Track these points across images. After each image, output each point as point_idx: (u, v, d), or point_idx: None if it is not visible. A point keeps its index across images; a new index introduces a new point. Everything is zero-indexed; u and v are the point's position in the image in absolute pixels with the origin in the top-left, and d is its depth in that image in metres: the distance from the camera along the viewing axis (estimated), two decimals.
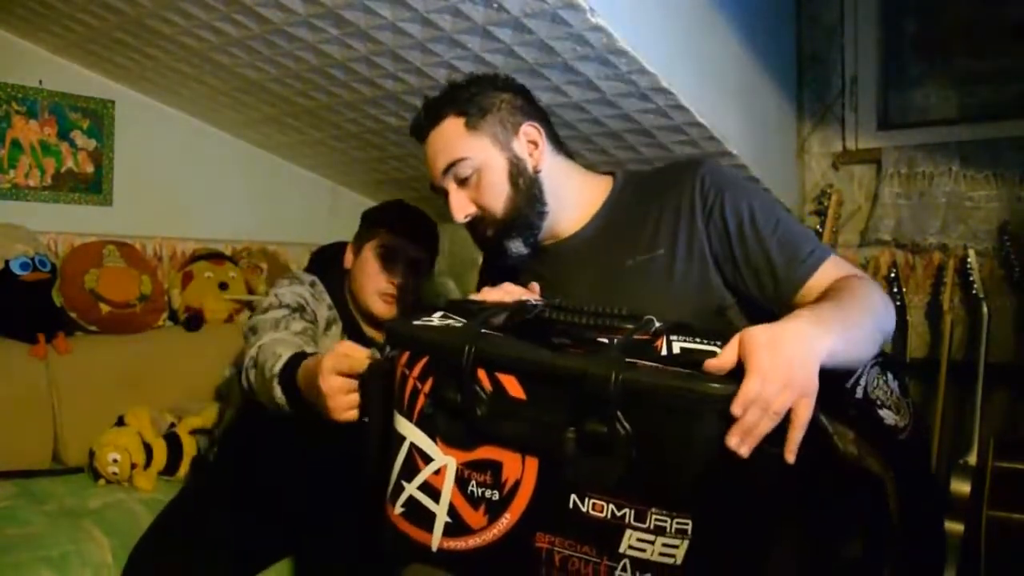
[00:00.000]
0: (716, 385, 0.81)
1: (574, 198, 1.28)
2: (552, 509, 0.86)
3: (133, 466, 1.99)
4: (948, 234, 2.32)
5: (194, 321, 2.47)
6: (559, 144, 1.29)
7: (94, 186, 2.57)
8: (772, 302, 1.15)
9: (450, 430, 0.92)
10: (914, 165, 2.37)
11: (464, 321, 1.00)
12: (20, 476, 2.01)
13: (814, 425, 1.16)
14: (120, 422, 2.08)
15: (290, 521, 1.60)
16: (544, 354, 0.90)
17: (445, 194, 1.25)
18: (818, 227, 2.49)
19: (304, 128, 2.67)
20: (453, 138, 1.22)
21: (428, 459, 0.94)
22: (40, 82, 2.45)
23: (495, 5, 1.67)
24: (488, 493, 0.89)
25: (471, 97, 1.23)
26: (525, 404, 0.88)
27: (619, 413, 0.81)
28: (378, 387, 1.03)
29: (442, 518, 0.93)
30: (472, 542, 0.91)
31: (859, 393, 1.51)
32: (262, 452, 1.67)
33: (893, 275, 2.37)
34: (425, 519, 0.94)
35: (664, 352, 0.88)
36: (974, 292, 2.19)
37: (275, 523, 1.60)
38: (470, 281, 2.70)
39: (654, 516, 0.80)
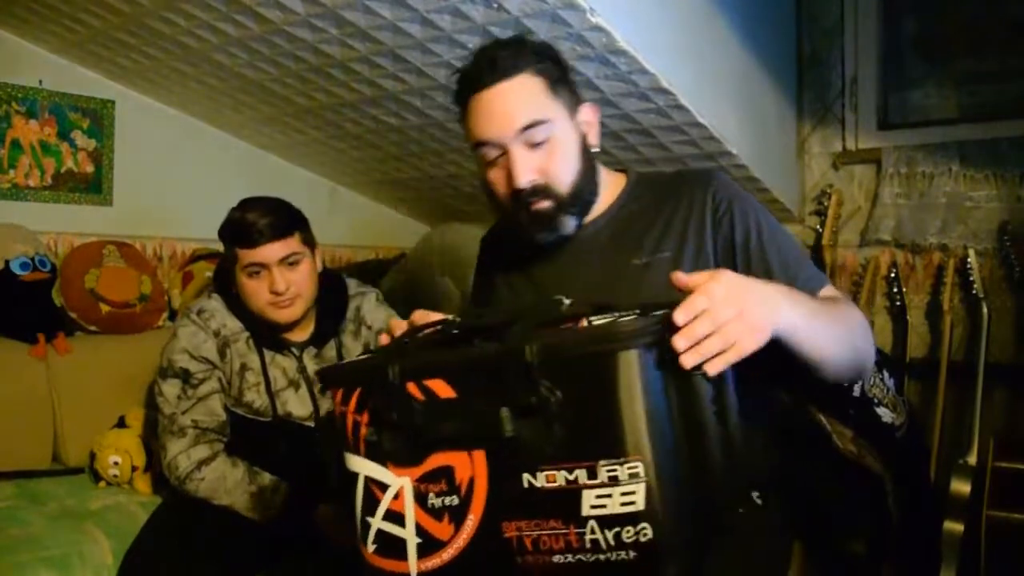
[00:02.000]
0: (626, 323, 0.84)
1: (600, 187, 1.25)
2: (510, 495, 0.87)
3: (134, 468, 1.99)
4: (948, 234, 2.32)
5: None
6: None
7: (94, 186, 2.57)
8: None
9: (397, 450, 0.93)
10: (914, 165, 2.37)
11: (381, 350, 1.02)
12: (20, 476, 2.01)
13: (814, 424, 1.16)
14: (121, 423, 2.08)
15: (282, 524, 1.60)
16: (463, 350, 0.93)
17: (502, 154, 1.15)
18: (818, 227, 2.49)
19: (304, 128, 2.67)
20: (533, 96, 1.13)
21: (384, 487, 0.94)
22: (40, 82, 2.45)
23: (495, 5, 1.67)
24: (448, 500, 0.90)
25: (545, 59, 1.15)
26: (457, 401, 0.90)
27: (544, 381, 0.84)
28: (331, 440, 1.04)
29: (412, 541, 0.93)
30: (446, 555, 0.91)
31: (856, 391, 1.51)
32: (253, 454, 1.67)
33: (893, 275, 2.37)
34: (397, 548, 0.94)
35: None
36: (974, 292, 2.19)
37: (268, 526, 1.60)
38: (470, 281, 2.70)
39: (604, 468, 0.81)
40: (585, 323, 0.91)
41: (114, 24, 2.13)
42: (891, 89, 2.49)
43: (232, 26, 1.98)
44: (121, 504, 1.87)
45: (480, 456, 0.88)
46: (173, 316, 2.54)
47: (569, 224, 1.19)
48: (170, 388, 1.66)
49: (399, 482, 0.93)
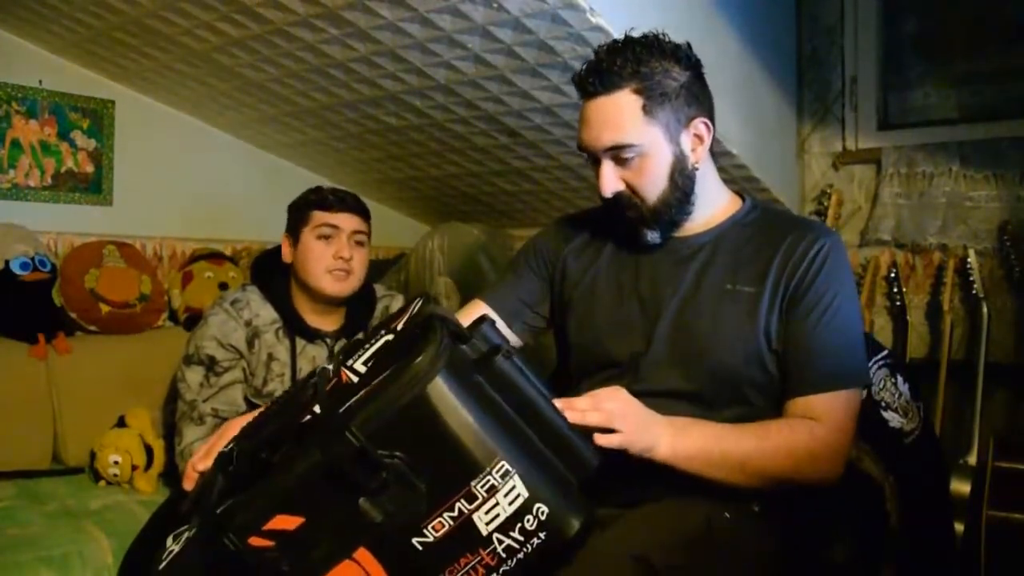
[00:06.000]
0: (419, 359, 0.85)
1: (709, 202, 1.26)
2: (412, 565, 0.86)
3: (134, 468, 1.99)
4: (948, 234, 2.32)
5: (194, 321, 2.46)
6: (712, 145, 1.26)
7: (94, 186, 2.57)
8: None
9: None
10: (914, 165, 2.37)
11: (199, 520, 0.97)
12: (20, 476, 2.01)
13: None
14: (121, 423, 2.08)
15: None
16: (283, 476, 0.87)
17: (594, 160, 1.21)
18: None
19: (304, 128, 2.67)
20: (627, 117, 1.15)
21: None
22: (40, 82, 2.45)
23: (495, 5, 1.67)
24: None
25: (653, 74, 1.15)
26: (308, 524, 0.86)
27: (379, 451, 0.83)
28: None
29: None
30: None
31: (862, 395, 1.48)
32: None
33: (893, 275, 2.37)
34: None
35: (355, 379, 0.91)
36: (974, 292, 2.19)
37: None
38: (470, 281, 2.70)
39: (477, 486, 0.84)
40: (347, 374, 0.92)
41: (114, 24, 2.13)
42: (891, 89, 2.48)
43: (232, 26, 1.98)
44: (121, 504, 1.87)
45: (363, 554, 0.86)
46: (173, 316, 2.54)
47: (652, 236, 1.23)
48: (193, 375, 1.70)
49: None
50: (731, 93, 2.15)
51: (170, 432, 2.10)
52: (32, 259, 2.20)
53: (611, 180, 1.19)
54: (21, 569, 1.52)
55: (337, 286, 1.73)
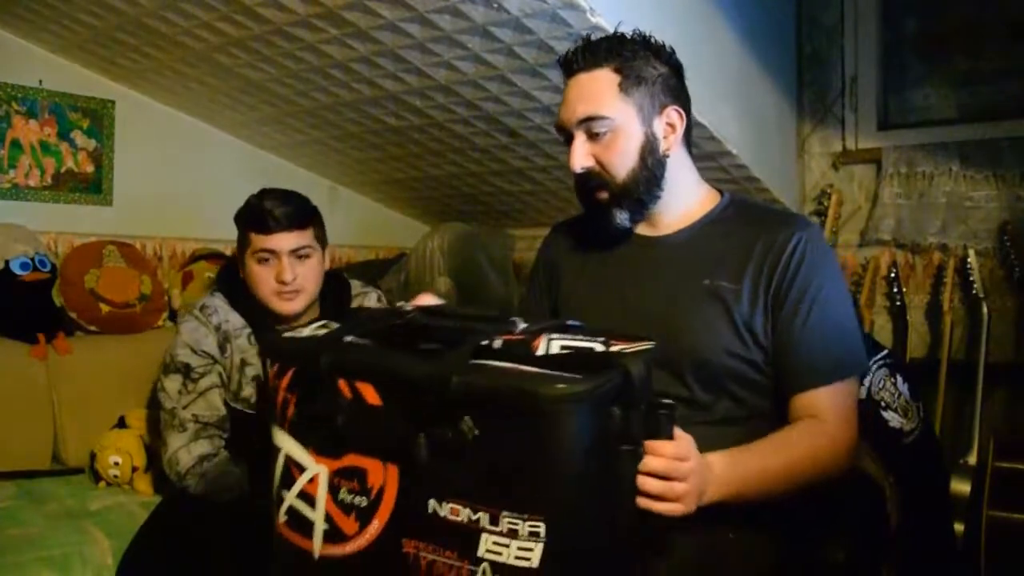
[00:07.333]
0: (560, 386, 0.79)
1: (684, 196, 1.27)
2: (414, 515, 0.86)
3: (134, 469, 1.99)
4: (948, 234, 2.32)
5: None
6: (689, 137, 1.28)
7: (94, 186, 2.57)
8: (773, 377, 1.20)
9: (319, 439, 0.93)
10: (914, 165, 2.37)
11: (327, 332, 1.01)
12: (20, 476, 2.01)
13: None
14: (121, 423, 2.08)
15: None
16: (397, 360, 0.90)
17: (569, 139, 1.23)
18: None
19: (304, 128, 2.67)
20: (603, 92, 1.20)
21: (302, 468, 0.95)
22: (40, 82, 2.45)
23: (495, 5, 1.68)
24: (357, 500, 0.90)
25: (633, 59, 1.20)
26: (381, 411, 0.88)
27: (467, 417, 0.81)
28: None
29: (320, 525, 0.93)
30: (348, 548, 0.91)
31: (863, 394, 1.49)
32: (250, 450, 1.67)
33: (893, 275, 2.37)
34: (305, 527, 0.94)
35: (541, 351, 0.89)
36: (974, 292, 2.19)
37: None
38: (470, 281, 2.70)
39: (506, 519, 0.80)
40: (542, 342, 0.89)
41: (114, 24, 2.13)
42: (891, 89, 2.49)
43: (232, 26, 1.98)
44: (121, 504, 1.87)
45: (393, 469, 0.88)
46: (173, 316, 2.54)
47: (621, 217, 1.24)
48: (171, 383, 1.68)
49: (317, 469, 0.93)
50: (731, 93, 2.15)
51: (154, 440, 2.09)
52: (32, 259, 2.20)
53: (581, 155, 1.21)
54: (21, 569, 1.52)
55: (287, 306, 1.68)
